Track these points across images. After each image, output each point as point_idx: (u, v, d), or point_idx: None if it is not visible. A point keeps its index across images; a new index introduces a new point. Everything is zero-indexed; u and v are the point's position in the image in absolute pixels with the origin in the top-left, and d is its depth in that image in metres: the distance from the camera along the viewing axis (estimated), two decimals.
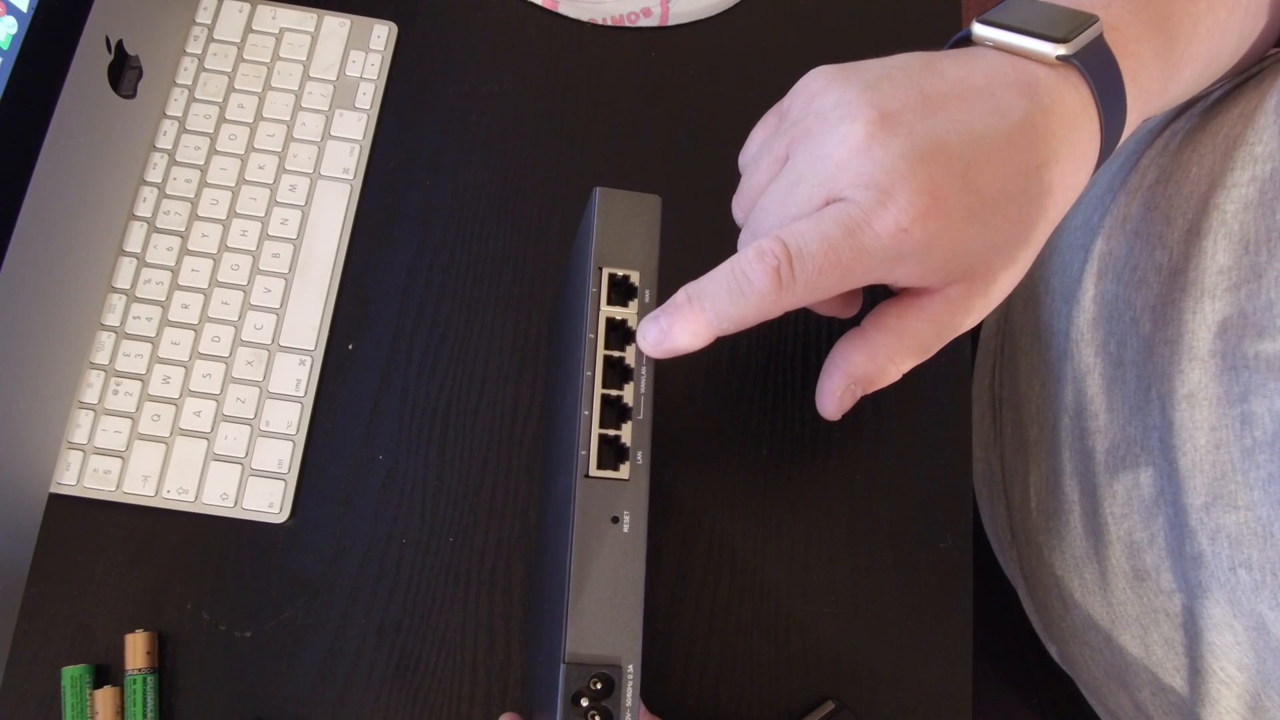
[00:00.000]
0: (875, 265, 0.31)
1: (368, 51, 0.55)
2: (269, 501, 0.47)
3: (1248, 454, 0.38)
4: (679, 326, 0.31)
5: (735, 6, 0.59)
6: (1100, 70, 0.34)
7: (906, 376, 0.52)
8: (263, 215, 0.52)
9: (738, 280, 0.31)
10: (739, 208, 0.38)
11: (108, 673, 0.45)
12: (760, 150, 0.36)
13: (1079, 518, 0.49)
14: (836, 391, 0.35)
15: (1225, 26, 0.39)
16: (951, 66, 0.33)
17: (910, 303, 0.34)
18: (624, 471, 0.31)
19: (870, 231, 0.30)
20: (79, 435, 0.47)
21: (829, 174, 0.31)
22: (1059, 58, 0.33)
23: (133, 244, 0.50)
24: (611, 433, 0.31)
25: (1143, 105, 0.36)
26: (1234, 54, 0.41)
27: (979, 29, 0.35)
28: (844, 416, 0.52)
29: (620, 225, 0.33)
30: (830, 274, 0.30)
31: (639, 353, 0.32)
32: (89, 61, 0.47)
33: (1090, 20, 0.33)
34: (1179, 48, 0.37)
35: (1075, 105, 0.33)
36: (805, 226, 0.31)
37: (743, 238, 0.36)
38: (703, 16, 0.58)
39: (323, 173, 0.53)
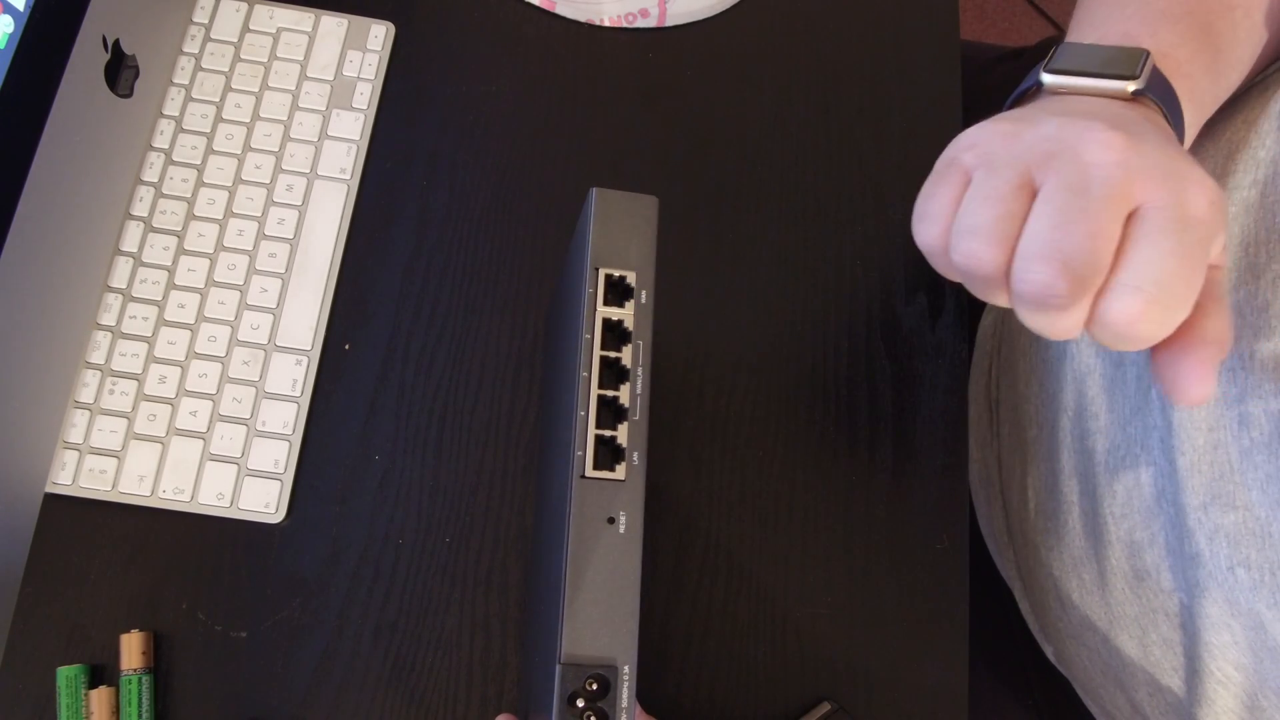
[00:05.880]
0: (1210, 245, 0.30)
1: (365, 51, 0.55)
2: (265, 502, 0.47)
3: (1245, 454, 0.38)
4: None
5: (733, 8, 0.59)
6: (1164, 97, 0.36)
7: (903, 378, 0.53)
8: (260, 215, 0.52)
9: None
10: (987, 244, 0.31)
11: (103, 673, 0.45)
12: (977, 192, 0.32)
13: (1078, 518, 0.49)
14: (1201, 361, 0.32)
15: (1257, 25, 0.40)
16: (1054, 111, 0.34)
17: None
18: (620, 472, 0.31)
19: (1195, 219, 0.29)
20: (75, 435, 0.47)
21: (1116, 178, 0.30)
22: (1134, 93, 0.35)
23: (129, 243, 0.50)
24: (608, 433, 0.31)
25: (1196, 117, 0.38)
26: (1258, 52, 0.42)
27: (1050, 79, 0.36)
28: (841, 418, 0.52)
29: (617, 226, 0.33)
30: (1192, 281, 0.29)
31: (635, 353, 0.32)
32: (86, 60, 0.47)
33: (1144, 54, 0.35)
34: (1224, 57, 0.39)
35: (1159, 118, 0.35)
36: (1147, 258, 0.29)
37: (1022, 270, 0.31)
38: (701, 17, 0.58)
39: (320, 173, 0.53)
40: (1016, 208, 0.30)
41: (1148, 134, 0.32)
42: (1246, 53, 0.41)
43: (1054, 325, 0.30)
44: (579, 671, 0.29)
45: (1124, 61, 0.35)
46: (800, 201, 0.56)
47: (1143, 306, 0.28)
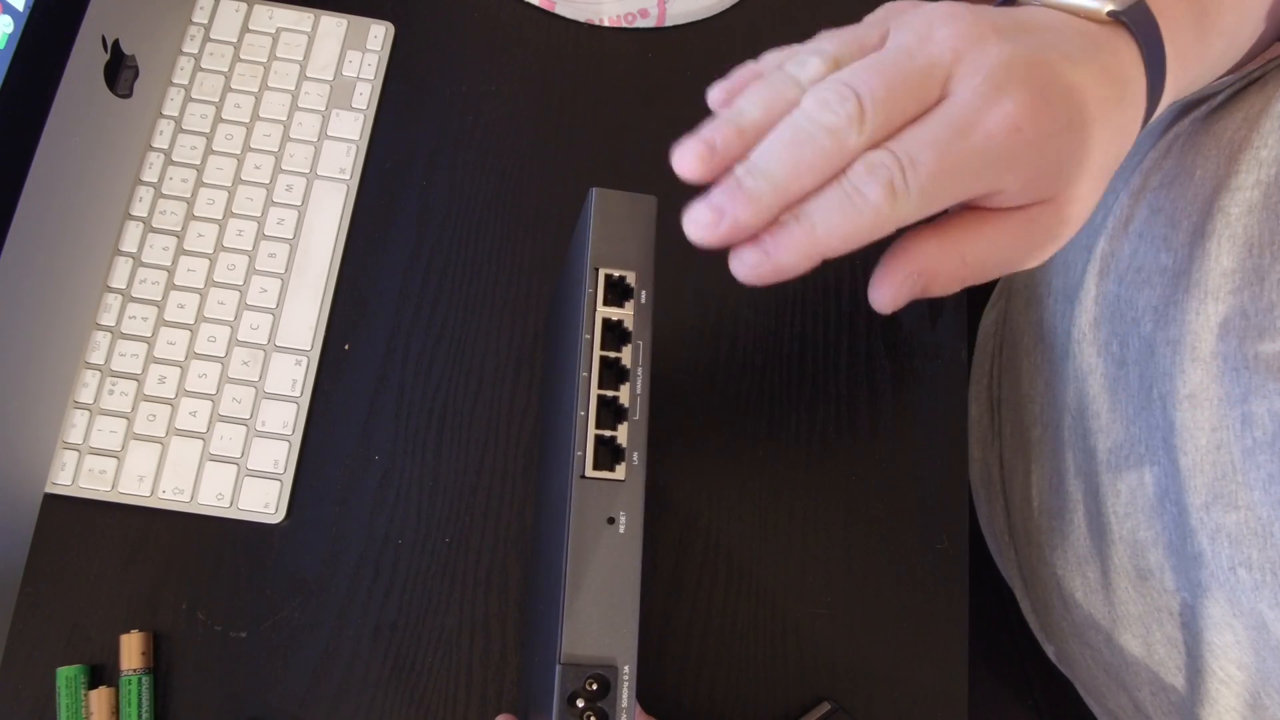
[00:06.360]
0: (984, 169, 0.30)
1: (364, 51, 0.55)
2: (264, 502, 0.47)
3: (1248, 454, 0.38)
4: (785, 246, 0.30)
5: (733, 8, 0.59)
6: (1144, 29, 0.34)
7: (903, 378, 0.52)
8: (259, 215, 0.52)
9: (849, 194, 0.29)
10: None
11: (103, 673, 0.45)
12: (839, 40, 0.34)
13: (1082, 517, 0.49)
14: (898, 279, 0.33)
15: (1248, 5, 0.39)
16: (1017, 13, 0.34)
17: (995, 214, 0.33)
18: (620, 472, 0.31)
19: (981, 131, 0.29)
20: (74, 435, 0.47)
21: (943, 57, 0.30)
22: (1109, 14, 0.33)
23: (129, 244, 0.50)
24: (607, 433, 0.31)
25: (1178, 73, 0.37)
26: (1249, 38, 0.41)
27: None
28: (841, 418, 0.52)
29: (617, 226, 0.33)
30: (942, 180, 0.29)
31: (635, 353, 0.32)
32: (85, 61, 0.47)
33: None
34: (1210, 19, 0.37)
35: (1128, 59, 0.34)
36: (912, 133, 0.30)
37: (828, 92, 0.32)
38: (700, 17, 0.58)
39: (319, 173, 0.53)
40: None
41: (1043, 46, 0.31)
42: (1230, 25, 0.39)
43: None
44: (579, 671, 0.29)
45: None
46: None
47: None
